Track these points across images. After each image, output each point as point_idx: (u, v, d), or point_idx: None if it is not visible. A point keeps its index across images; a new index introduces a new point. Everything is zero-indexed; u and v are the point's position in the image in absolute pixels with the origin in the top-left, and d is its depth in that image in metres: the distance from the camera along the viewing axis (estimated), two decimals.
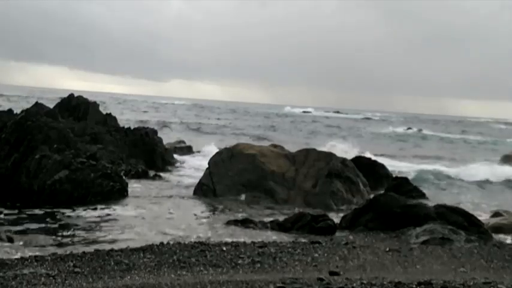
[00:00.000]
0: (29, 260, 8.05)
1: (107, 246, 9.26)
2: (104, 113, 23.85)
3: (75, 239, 10.48)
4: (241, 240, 10.10)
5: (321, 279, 6.79)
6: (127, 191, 14.98)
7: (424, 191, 17.69)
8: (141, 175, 18.64)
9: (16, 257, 8.32)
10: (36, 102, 21.48)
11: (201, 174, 16.86)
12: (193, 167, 21.39)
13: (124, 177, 15.89)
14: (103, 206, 13.57)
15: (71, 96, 23.71)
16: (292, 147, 19.29)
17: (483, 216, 12.82)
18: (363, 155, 22.15)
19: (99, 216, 12.63)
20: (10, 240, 9.69)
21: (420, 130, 64.60)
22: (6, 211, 12.78)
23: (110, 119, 23.40)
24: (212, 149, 22.47)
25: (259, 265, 8.01)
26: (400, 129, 63.82)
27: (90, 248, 9.09)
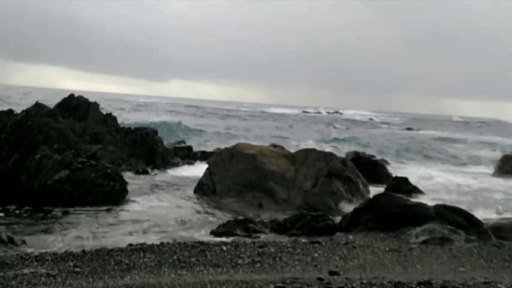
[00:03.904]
0: (29, 260, 8.06)
1: (107, 246, 9.27)
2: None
3: (75, 239, 10.49)
4: (241, 240, 10.12)
5: (321, 279, 6.80)
6: (127, 191, 14.99)
7: None
8: (141, 175, 18.66)
9: (16, 256, 8.32)
10: (37, 102, 21.53)
11: (201, 174, 16.88)
12: (193, 167, 21.43)
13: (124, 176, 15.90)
14: (103, 206, 13.60)
15: (71, 96, 23.76)
16: None
17: (483, 216, 12.82)
18: None
19: (99, 216, 12.65)
20: (10, 240, 9.70)
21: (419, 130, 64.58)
22: (6, 211, 12.81)
23: (110, 119, 23.45)
24: None
25: (259, 265, 8.02)
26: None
27: (91, 248, 9.10)
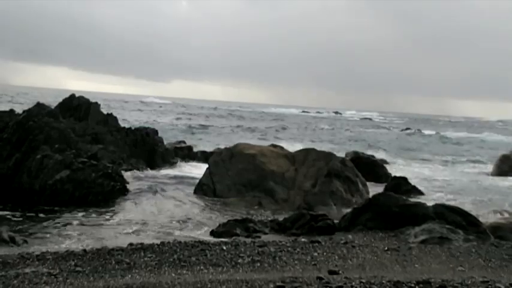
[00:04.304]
0: (31, 259, 8.10)
1: (108, 246, 9.32)
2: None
3: (76, 238, 10.55)
4: (241, 239, 10.16)
5: (321, 278, 6.83)
6: (128, 191, 15.05)
7: None
8: (142, 175, 18.69)
9: (18, 256, 8.37)
10: (38, 103, 21.53)
11: (201, 174, 16.92)
12: (193, 167, 21.47)
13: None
14: (104, 206, 13.65)
15: (72, 96, 23.76)
16: None
17: (482, 216, 12.87)
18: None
19: (100, 216, 12.71)
20: (12, 239, 9.75)
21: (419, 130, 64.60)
22: (7, 211, 12.86)
23: (110, 119, 23.46)
24: None
25: (259, 264, 8.06)
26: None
27: (91, 247, 9.15)
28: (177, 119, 58.22)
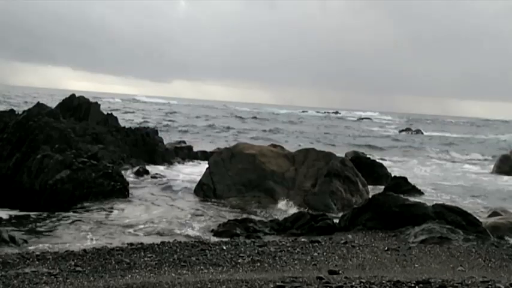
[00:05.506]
0: (31, 259, 8.12)
1: (108, 246, 9.33)
2: None
3: (76, 238, 10.56)
4: (241, 239, 10.18)
5: (320, 278, 6.83)
6: (128, 191, 15.06)
7: None
8: (142, 175, 18.70)
9: (18, 256, 8.38)
10: (38, 103, 21.58)
11: (201, 174, 16.93)
12: (193, 167, 21.48)
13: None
14: (104, 206, 13.65)
15: (72, 96, 23.79)
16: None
17: (481, 216, 12.88)
18: None
19: (100, 216, 12.71)
20: (12, 239, 9.76)
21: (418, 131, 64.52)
22: (8, 211, 12.87)
23: (111, 119, 23.50)
24: None
25: (259, 264, 8.08)
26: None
27: (92, 247, 9.16)
28: (180, 118, 58.23)
